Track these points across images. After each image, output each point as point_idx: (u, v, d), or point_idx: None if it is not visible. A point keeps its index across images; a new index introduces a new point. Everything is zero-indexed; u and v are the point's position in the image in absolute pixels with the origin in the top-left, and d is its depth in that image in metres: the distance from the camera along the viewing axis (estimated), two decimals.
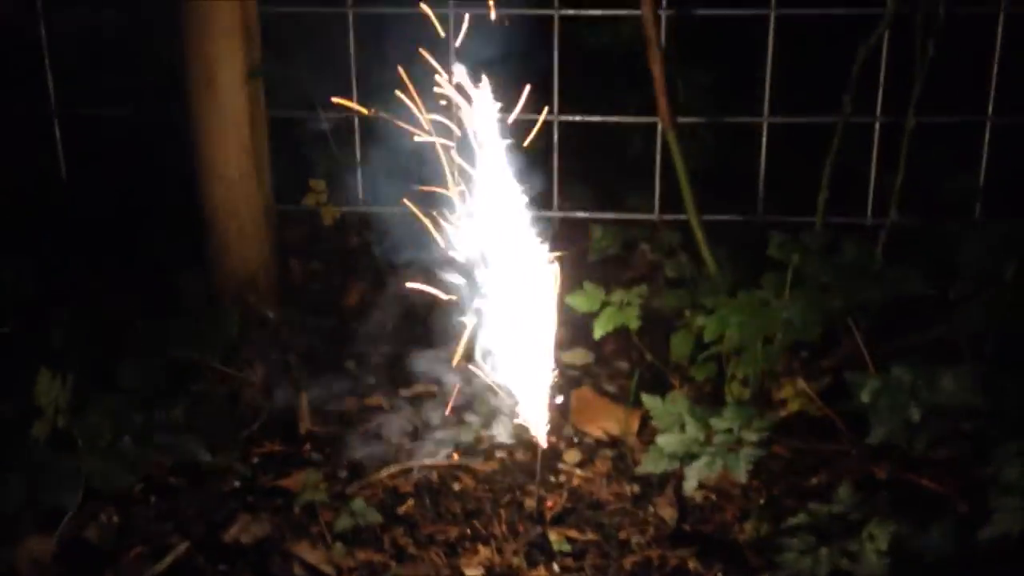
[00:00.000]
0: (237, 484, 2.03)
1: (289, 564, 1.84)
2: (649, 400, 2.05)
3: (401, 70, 1.84)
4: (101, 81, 2.69)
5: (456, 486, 2.04)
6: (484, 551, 1.87)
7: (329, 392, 2.29)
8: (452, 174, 1.89)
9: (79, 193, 2.72)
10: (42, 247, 2.54)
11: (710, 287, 2.24)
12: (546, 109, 2.50)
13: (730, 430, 1.97)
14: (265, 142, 2.50)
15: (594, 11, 2.57)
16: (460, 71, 1.76)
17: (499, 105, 1.78)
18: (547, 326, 1.92)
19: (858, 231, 2.37)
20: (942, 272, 2.14)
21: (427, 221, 1.92)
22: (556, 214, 2.67)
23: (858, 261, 2.13)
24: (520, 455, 2.12)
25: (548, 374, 1.94)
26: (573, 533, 1.91)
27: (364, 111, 2.13)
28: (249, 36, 2.39)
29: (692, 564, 1.83)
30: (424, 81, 1.86)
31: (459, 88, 1.77)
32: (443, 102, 1.79)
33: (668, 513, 1.96)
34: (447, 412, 2.22)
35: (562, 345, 2.16)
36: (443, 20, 2.50)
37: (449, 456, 2.11)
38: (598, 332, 2.22)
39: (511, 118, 1.83)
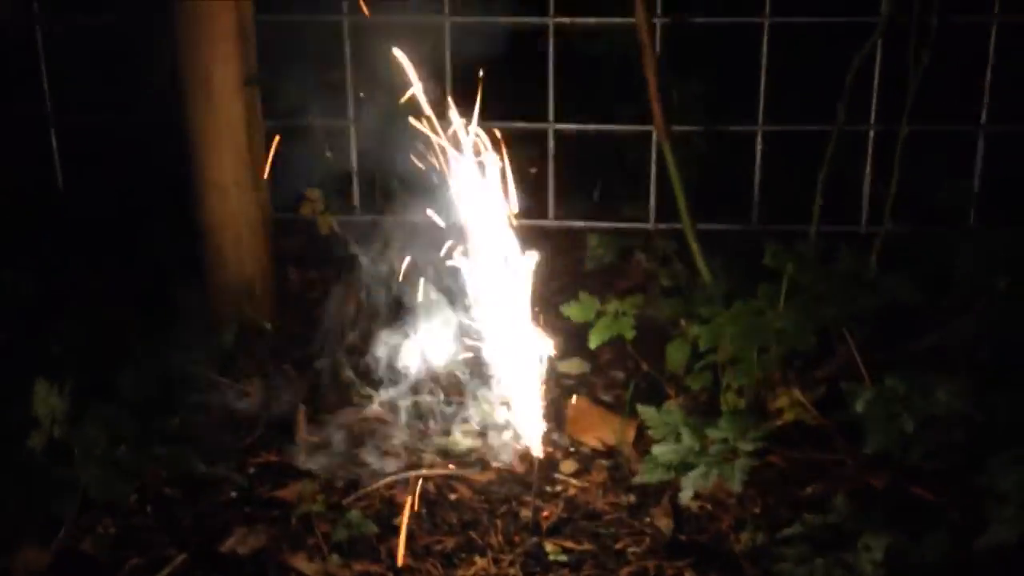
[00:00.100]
0: (234, 495, 2.03)
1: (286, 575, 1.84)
2: (644, 410, 2.06)
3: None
4: (97, 88, 2.69)
5: (453, 496, 2.04)
6: (480, 562, 1.87)
7: (326, 402, 2.30)
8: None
9: (75, 201, 2.72)
10: (39, 256, 2.54)
11: (705, 296, 2.25)
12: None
13: (725, 440, 1.97)
14: (261, 150, 2.50)
15: (589, 19, 2.57)
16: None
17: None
18: (542, 336, 1.93)
19: (853, 240, 2.37)
20: (937, 281, 2.15)
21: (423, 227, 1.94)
22: (552, 223, 2.68)
23: (852, 270, 2.14)
24: (516, 465, 2.12)
25: (544, 384, 1.95)
26: (569, 543, 1.92)
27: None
28: (245, 43, 2.39)
29: (688, 574, 1.84)
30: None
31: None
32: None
33: (664, 523, 1.96)
34: (443, 422, 2.23)
35: (558, 355, 2.16)
36: (438, 28, 2.54)
37: (446, 466, 2.12)
38: (594, 342, 2.23)
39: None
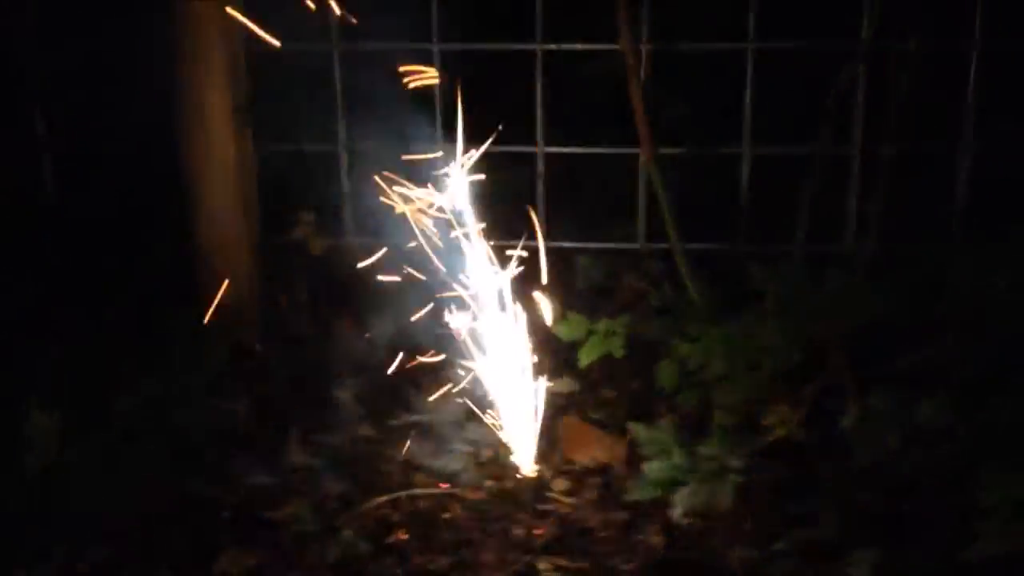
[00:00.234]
0: (226, 515, 2.04)
1: None
2: (636, 428, 2.08)
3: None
4: (91, 114, 2.71)
5: (445, 515, 2.05)
6: None
7: (317, 422, 2.31)
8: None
9: (69, 225, 2.73)
10: (33, 278, 2.55)
11: (694, 315, 2.27)
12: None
13: (716, 457, 1.99)
14: (253, 175, 2.53)
15: (576, 45, 2.61)
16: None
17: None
18: (534, 356, 1.95)
19: (839, 258, 2.41)
20: (922, 298, 2.17)
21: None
22: (542, 244, 2.69)
23: (838, 288, 2.17)
24: (509, 483, 2.13)
25: (536, 404, 1.97)
26: (562, 561, 1.93)
27: None
28: (236, 71, 2.43)
29: None
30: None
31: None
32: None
33: (656, 540, 1.97)
34: (436, 441, 2.24)
35: (549, 374, 2.18)
36: (427, 55, 2.57)
37: (438, 485, 2.13)
38: (584, 361, 2.25)
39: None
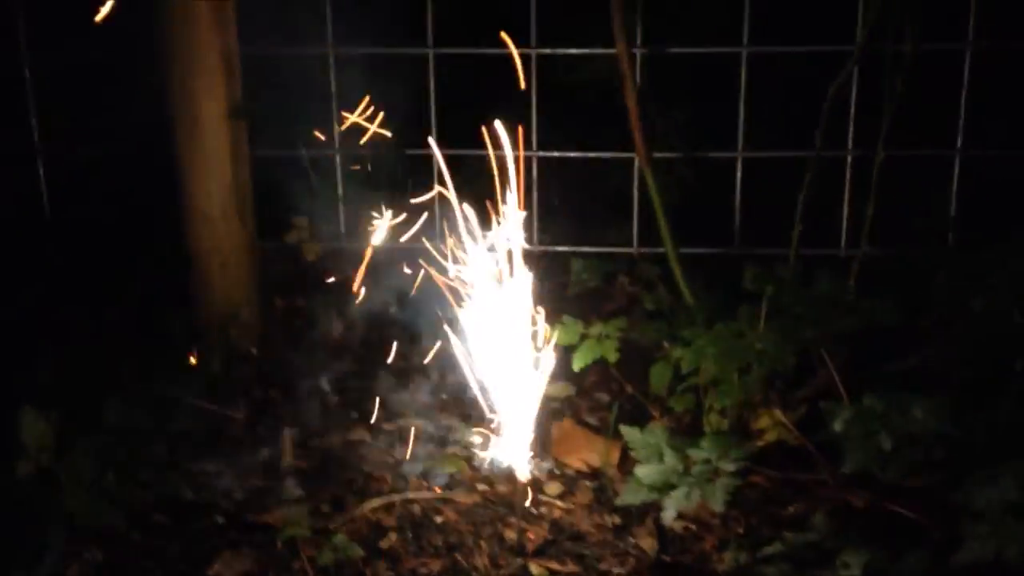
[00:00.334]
0: (220, 520, 2.04)
1: None
2: (628, 432, 2.08)
3: None
4: (85, 118, 2.72)
5: (438, 519, 2.06)
6: None
7: (312, 426, 2.31)
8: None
9: (63, 230, 2.74)
10: (26, 283, 2.55)
11: (687, 319, 2.28)
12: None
13: (708, 460, 2.00)
14: (248, 179, 2.53)
15: (571, 50, 2.62)
16: None
17: None
18: (529, 359, 1.95)
19: (832, 262, 2.41)
20: (915, 302, 2.18)
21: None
22: (536, 248, 2.71)
23: (831, 292, 2.17)
24: (501, 487, 2.13)
25: (529, 407, 1.96)
26: (555, 565, 1.93)
27: None
28: (231, 74, 2.43)
29: None
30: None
31: None
32: None
33: (648, 544, 1.98)
34: (430, 445, 2.25)
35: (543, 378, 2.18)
36: (422, 60, 2.58)
37: (431, 489, 2.13)
38: (577, 364, 2.25)
39: None
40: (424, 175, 2.65)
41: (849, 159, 2.56)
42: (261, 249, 2.59)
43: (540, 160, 2.64)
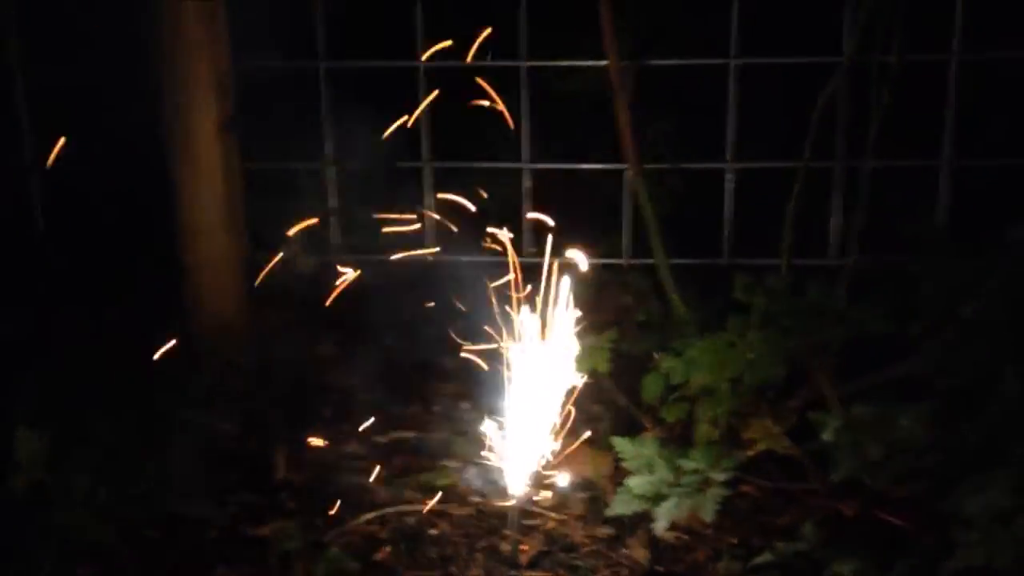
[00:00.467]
0: (214, 534, 2.04)
1: None
2: (620, 442, 2.09)
3: None
4: (79, 133, 2.72)
5: (432, 531, 2.06)
6: None
7: (304, 440, 2.31)
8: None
9: (55, 244, 2.75)
10: (19, 298, 2.56)
11: (678, 329, 2.28)
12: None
13: (699, 471, 2.00)
14: (240, 193, 2.54)
15: (562, 62, 2.63)
16: None
17: None
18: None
19: (821, 272, 2.42)
20: (904, 310, 2.19)
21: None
22: (528, 260, 2.71)
23: (821, 302, 2.18)
24: (495, 499, 2.14)
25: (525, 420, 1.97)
26: None
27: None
28: (223, 90, 2.44)
29: None
30: None
31: None
32: None
33: (641, 554, 1.98)
34: (424, 457, 2.25)
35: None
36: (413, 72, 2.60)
37: (425, 502, 2.14)
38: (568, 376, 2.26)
39: None
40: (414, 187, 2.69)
41: (838, 169, 2.58)
42: (253, 261, 2.59)
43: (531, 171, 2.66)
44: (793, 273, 2.29)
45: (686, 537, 2.02)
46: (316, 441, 2.30)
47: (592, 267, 2.28)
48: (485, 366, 1.99)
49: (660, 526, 1.96)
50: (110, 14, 2.44)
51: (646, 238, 2.44)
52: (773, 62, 2.56)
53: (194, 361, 2.43)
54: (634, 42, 2.54)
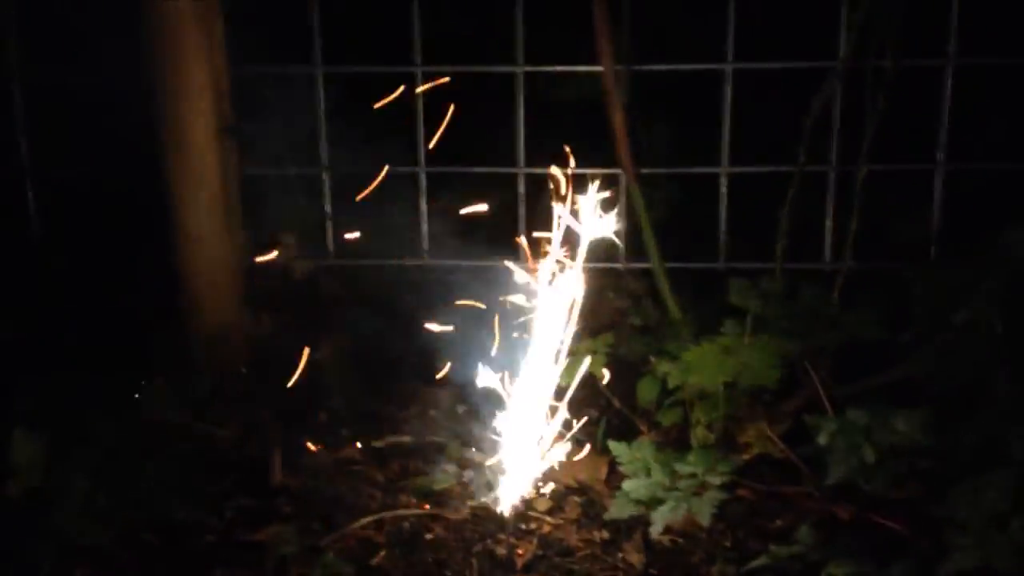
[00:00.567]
0: (211, 539, 2.05)
1: None
2: (615, 446, 2.10)
3: None
4: (74, 138, 2.73)
5: (428, 536, 2.06)
6: None
7: (301, 445, 2.32)
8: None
9: (52, 250, 2.75)
10: (16, 304, 2.56)
11: (674, 333, 2.29)
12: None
13: (694, 474, 2.01)
14: (237, 199, 2.54)
15: (556, 67, 2.64)
16: None
17: None
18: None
19: (816, 276, 2.43)
20: (898, 315, 2.20)
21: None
22: (525, 264, 2.72)
23: (815, 306, 2.19)
24: (491, 504, 2.14)
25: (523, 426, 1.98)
26: None
27: None
28: (219, 95, 2.45)
29: None
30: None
31: None
32: None
33: (636, 558, 1.99)
34: (419, 462, 2.26)
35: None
36: (408, 77, 2.60)
37: (421, 506, 2.14)
38: (565, 380, 2.26)
39: None
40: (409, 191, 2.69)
41: (832, 174, 2.59)
42: (250, 267, 2.60)
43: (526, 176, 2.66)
44: (788, 277, 2.31)
45: (681, 540, 2.02)
46: (313, 446, 2.31)
47: (589, 271, 2.31)
48: (484, 368, 2.00)
49: (656, 530, 1.96)
50: (106, 17, 2.44)
51: (642, 242, 2.45)
52: (768, 67, 2.57)
53: (191, 367, 2.43)
54: (628, 46, 2.54)
